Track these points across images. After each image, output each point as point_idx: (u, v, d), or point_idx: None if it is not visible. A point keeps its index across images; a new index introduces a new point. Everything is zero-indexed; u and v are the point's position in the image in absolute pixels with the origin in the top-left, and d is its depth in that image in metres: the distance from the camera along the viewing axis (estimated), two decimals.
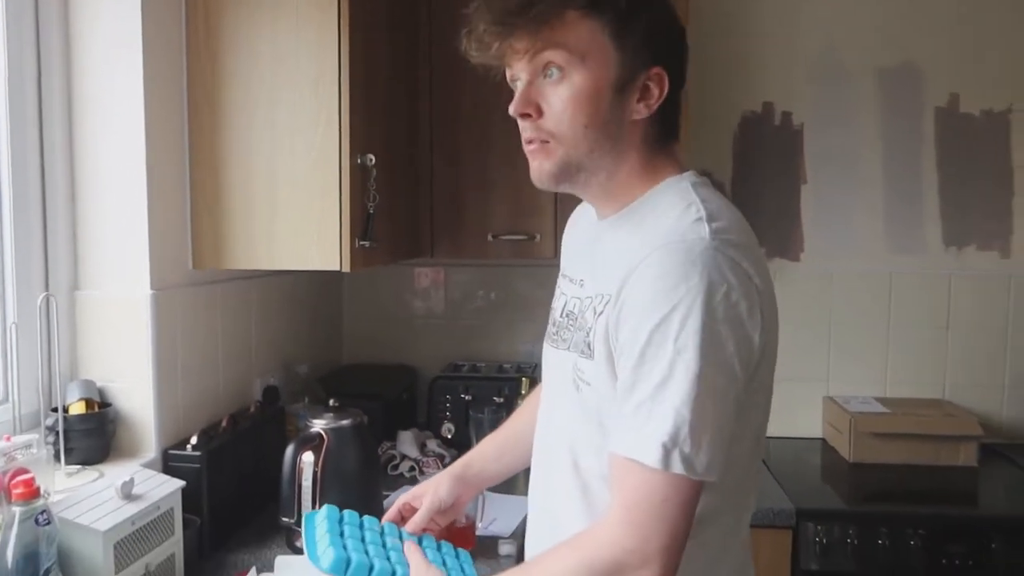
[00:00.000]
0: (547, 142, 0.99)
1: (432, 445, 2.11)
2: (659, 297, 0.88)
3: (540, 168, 1.00)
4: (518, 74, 0.99)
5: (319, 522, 1.14)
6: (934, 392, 2.43)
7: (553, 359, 1.12)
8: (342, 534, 1.12)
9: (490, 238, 2.16)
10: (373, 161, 1.63)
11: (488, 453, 1.35)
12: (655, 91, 0.99)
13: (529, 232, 2.14)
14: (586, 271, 1.08)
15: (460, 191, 2.16)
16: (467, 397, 2.23)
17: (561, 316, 1.11)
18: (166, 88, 1.55)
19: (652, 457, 0.87)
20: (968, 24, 2.35)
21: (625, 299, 0.93)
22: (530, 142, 1.00)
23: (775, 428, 2.48)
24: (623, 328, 0.93)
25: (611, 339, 0.95)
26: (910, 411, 2.27)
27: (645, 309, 0.89)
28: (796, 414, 2.48)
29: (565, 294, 1.12)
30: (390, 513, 1.25)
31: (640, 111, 0.99)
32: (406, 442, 2.09)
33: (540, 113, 0.98)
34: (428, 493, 1.26)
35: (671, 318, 0.87)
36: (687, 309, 0.87)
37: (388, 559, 1.09)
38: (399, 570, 1.06)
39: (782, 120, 2.43)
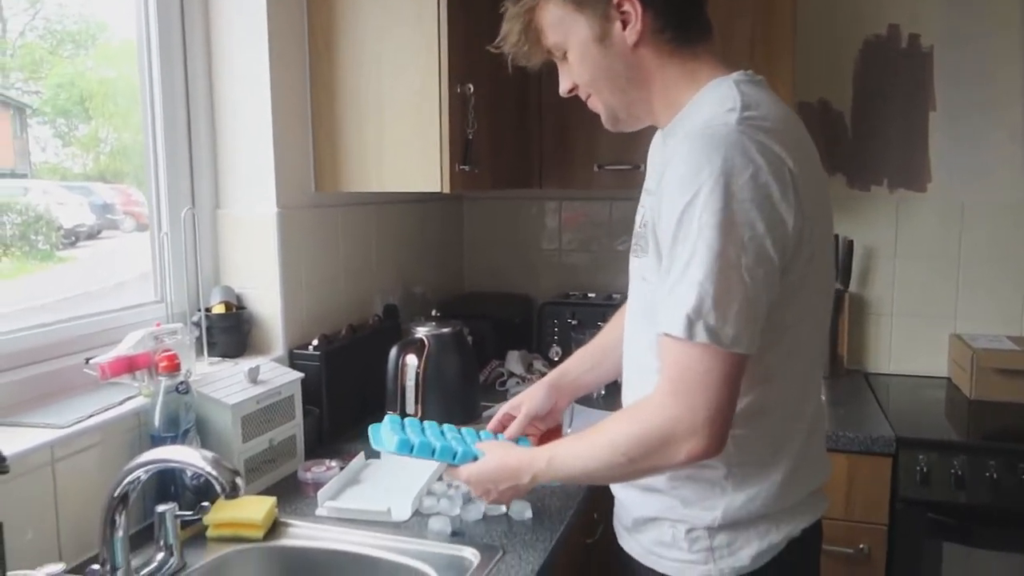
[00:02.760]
0: (592, 99, 1.16)
1: (538, 365, 2.24)
2: (684, 182, 0.94)
3: (603, 121, 1.18)
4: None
5: (383, 424, 1.30)
6: None
7: (632, 267, 1.20)
8: (403, 428, 1.28)
9: (596, 168, 2.22)
10: (472, 90, 1.74)
11: (582, 363, 1.45)
12: (631, 12, 1.05)
13: (634, 162, 2.18)
14: (654, 180, 1.16)
15: (567, 122, 2.23)
16: (573, 321, 2.33)
17: (639, 227, 1.19)
18: (288, 28, 1.73)
19: (678, 328, 0.94)
20: None
21: (661, 191, 0.99)
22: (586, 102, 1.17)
23: (896, 365, 2.44)
24: (660, 219, 0.99)
25: (657, 230, 1.02)
26: None
27: (673, 195, 0.96)
28: (920, 352, 2.40)
29: (643, 206, 1.20)
30: (492, 423, 1.39)
31: (630, 36, 1.06)
32: (513, 361, 2.23)
33: (576, 84, 1.15)
34: (525, 402, 1.38)
35: (694, 201, 0.93)
36: (709, 190, 0.92)
37: (447, 442, 1.23)
38: (460, 448, 1.20)
39: (909, 43, 2.31)
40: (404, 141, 1.73)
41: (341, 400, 1.78)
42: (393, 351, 1.69)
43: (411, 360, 1.69)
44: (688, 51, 1.09)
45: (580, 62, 1.11)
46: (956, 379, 2.29)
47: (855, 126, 2.36)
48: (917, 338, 2.40)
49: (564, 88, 1.17)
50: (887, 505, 1.86)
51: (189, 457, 1.04)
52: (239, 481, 1.00)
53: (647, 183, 1.24)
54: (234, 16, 1.68)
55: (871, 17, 2.33)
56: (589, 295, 2.54)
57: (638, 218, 1.21)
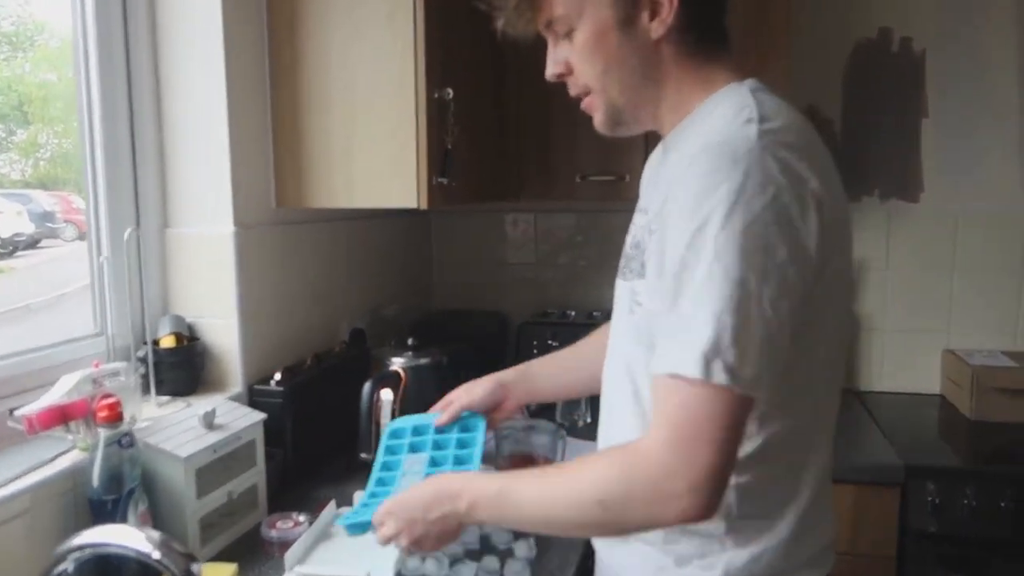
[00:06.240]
0: (589, 94, 0.99)
1: None
2: (699, 199, 0.82)
3: (596, 120, 1.02)
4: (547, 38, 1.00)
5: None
6: None
7: (618, 291, 1.09)
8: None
9: (578, 179, 2.08)
10: (451, 95, 1.59)
11: (546, 366, 1.35)
12: (664, 3, 0.93)
13: (618, 172, 2.05)
14: (651, 197, 1.05)
15: (548, 130, 2.09)
16: (554, 343, 2.18)
17: (630, 248, 1.08)
18: (247, 27, 1.56)
19: (692, 368, 0.81)
20: None
21: (668, 209, 0.88)
22: (578, 98, 1.01)
23: (888, 383, 2.34)
24: (667, 238, 0.87)
25: (664, 252, 0.89)
26: None
27: (683, 214, 0.84)
28: (912, 368, 2.31)
29: (635, 225, 1.09)
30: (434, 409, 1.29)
31: (656, 29, 0.94)
32: None
33: (571, 70, 0.99)
34: (462, 394, 1.28)
35: (710, 220, 0.81)
36: (727, 210, 0.80)
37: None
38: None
39: (901, 47, 2.22)
40: (376, 152, 1.56)
41: (307, 440, 1.60)
42: (367, 386, 1.52)
43: (386, 395, 1.52)
44: (705, 55, 0.97)
45: (593, 46, 0.95)
46: (951, 397, 2.20)
47: (845, 134, 2.27)
48: (909, 354, 2.31)
49: (554, 72, 1.00)
50: (895, 537, 1.75)
51: (130, 539, 0.85)
52: (195, 568, 0.83)
53: (641, 202, 1.12)
54: (184, 5, 1.50)
55: (862, 20, 2.24)
56: (568, 312, 2.40)
57: (629, 238, 1.10)
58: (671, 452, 0.83)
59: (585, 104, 1.01)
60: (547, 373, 1.33)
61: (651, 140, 2.06)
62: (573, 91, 1.01)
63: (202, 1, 1.48)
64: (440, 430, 1.24)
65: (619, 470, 0.87)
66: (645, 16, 0.93)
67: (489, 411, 1.28)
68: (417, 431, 1.25)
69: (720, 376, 0.80)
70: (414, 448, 1.22)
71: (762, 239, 0.80)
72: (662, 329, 0.87)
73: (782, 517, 0.96)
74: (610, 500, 0.87)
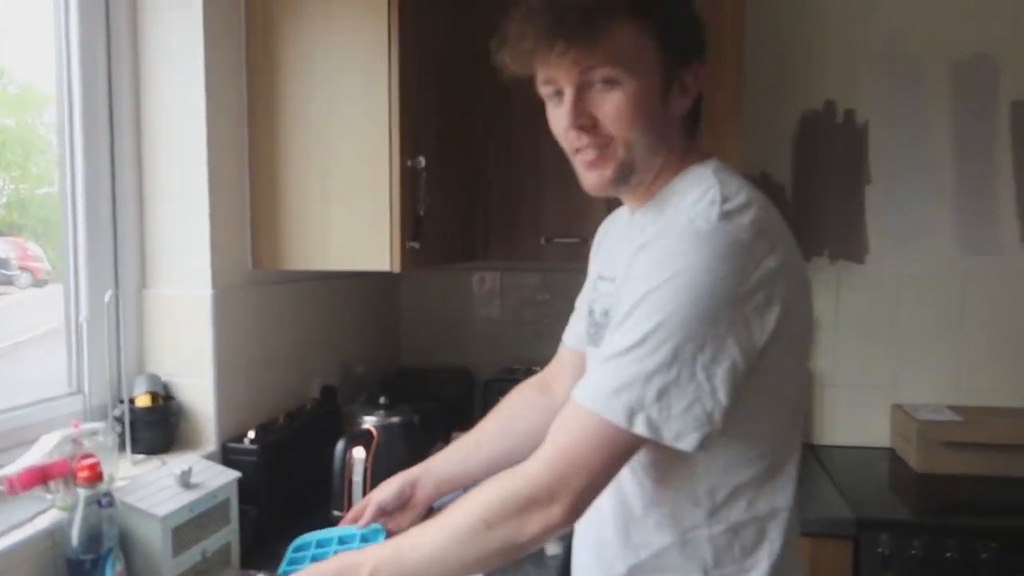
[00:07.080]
0: (606, 147, 1.00)
1: None
2: (654, 270, 0.91)
3: (600, 177, 1.01)
4: (562, 85, 0.99)
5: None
6: (1015, 401, 2.30)
7: (592, 360, 1.13)
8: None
9: (543, 241, 2.17)
10: (423, 164, 1.67)
11: (451, 457, 1.42)
12: (692, 86, 1.02)
13: (581, 235, 2.14)
14: (618, 267, 1.10)
15: (513, 193, 2.18)
16: None
17: (601, 316, 1.13)
18: (227, 92, 1.62)
19: (616, 415, 0.89)
20: None
21: (627, 275, 0.96)
22: (578, 152, 1.02)
23: (840, 436, 2.43)
24: (620, 301, 0.95)
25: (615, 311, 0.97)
26: (985, 420, 2.17)
27: (639, 279, 0.92)
28: (862, 423, 2.40)
29: (600, 293, 1.15)
30: (350, 514, 1.39)
31: (684, 106, 1.03)
32: None
33: (595, 122, 0.99)
34: (377, 492, 1.36)
35: (663, 288, 0.90)
36: (681, 282, 0.89)
37: None
38: None
39: (845, 118, 2.37)
40: (350, 217, 1.63)
41: (280, 497, 1.62)
42: (339, 445, 1.55)
43: (358, 453, 1.56)
44: (690, 137, 1.07)
45: (638, 105, 0.97)
46: (900, 451, 2.30)
47: (796, 198, 2.39)
48: (859, 408, 2.41)
49: (579, 122, 0.98)
50: None
51: None
52: None
53: (604, 270, 1.17)
54: (167, 72, 1.56)
55: (808, 93, 2.38)
56: (534, 368, 2.45)
57: (596, 307, 1.16)
58: (548, 468, 0.92)
59: (593, 159, 1.00)
60: (452, 462, 1.41)
61: (612, 206, 2.15)
62: (586, 142, 1.00)
63: (184, 64, 1.55)
64: (344, 541, 1.32)
65: (500, 487, 0.95)
66: (676, 89, 1.01)
67: (401, 506, 1.37)
68: (320, 544, 1.34)
69: (641, 427, 0.89)
70: (316, 560, 1.26)
71: (707, 312, 0.89)
72: (595, 364, 0.94)
73: (756, 566, 1.01)
74: (491, 516, 0.93)
